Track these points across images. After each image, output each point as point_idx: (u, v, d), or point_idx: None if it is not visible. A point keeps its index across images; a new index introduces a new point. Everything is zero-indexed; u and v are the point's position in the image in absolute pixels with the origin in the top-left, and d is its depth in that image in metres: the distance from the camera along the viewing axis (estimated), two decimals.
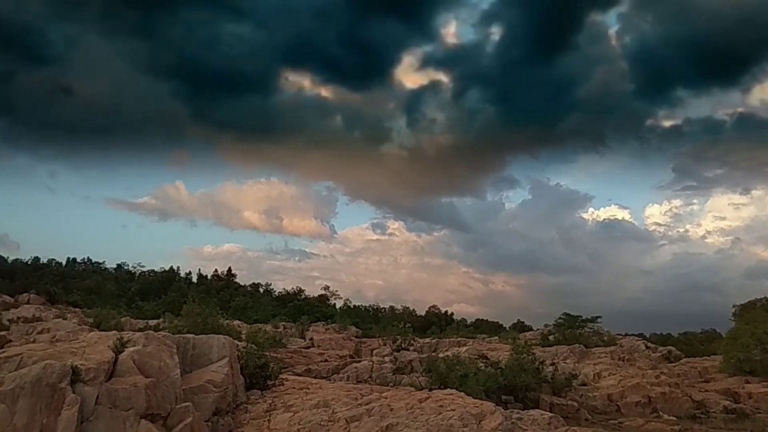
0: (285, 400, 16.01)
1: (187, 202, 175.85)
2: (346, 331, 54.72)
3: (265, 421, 14.74)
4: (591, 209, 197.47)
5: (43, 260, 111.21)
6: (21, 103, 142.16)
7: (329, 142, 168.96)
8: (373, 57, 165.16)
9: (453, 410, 14.35)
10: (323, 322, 64.14)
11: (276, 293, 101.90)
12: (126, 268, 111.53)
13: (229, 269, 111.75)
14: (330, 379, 23.82)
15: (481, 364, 24.94)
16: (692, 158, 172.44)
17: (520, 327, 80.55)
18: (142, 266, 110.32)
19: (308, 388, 17.47)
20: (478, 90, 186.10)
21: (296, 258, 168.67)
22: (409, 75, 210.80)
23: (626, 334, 54.26)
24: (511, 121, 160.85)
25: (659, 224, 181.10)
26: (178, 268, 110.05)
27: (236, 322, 45.46)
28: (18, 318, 42.50)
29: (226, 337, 17.62)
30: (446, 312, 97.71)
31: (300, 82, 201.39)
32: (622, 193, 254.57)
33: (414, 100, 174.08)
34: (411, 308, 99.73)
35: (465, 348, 34.45)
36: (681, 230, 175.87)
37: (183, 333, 19.49)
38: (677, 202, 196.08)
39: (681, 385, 27.61)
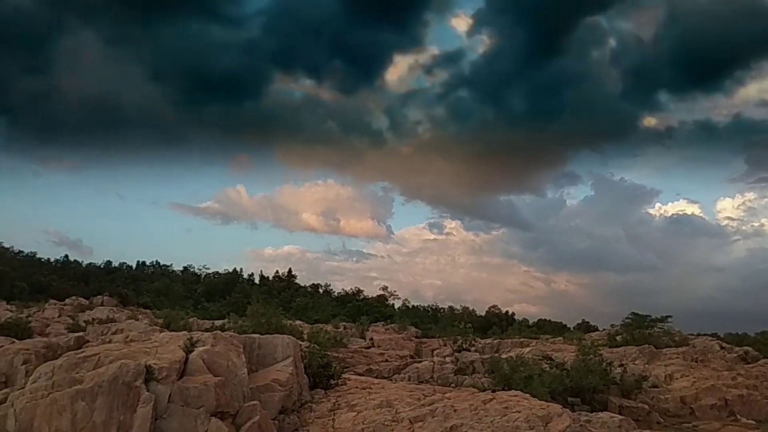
0: (348, 400, 16.13)
1: (248, 205, 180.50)
2: (405, 331, 54.68)
3: (329, 420, 14.89)
4: (658, 204, 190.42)
5: (115, 264, 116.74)
6: (91, 118, 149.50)
7: (382, 144, 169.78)
8: None
9: (518, 412, 14.06)
10: (383, 323, 64.35)
11: (335, 294, 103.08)
12: (192, 270, 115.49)
13: (290, 270, 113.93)
14: (391, 379, 23.84)
15: (546, 365, 24.37)
16: (766, 149, 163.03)
17: (585, 327, 78.31)
18: (207, 268, 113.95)
19: (371, 388, 17.53)
20: None
21: (354, 259, 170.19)
22: None
23: (698, 334, 51.84)
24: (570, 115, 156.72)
25: (732, 218, 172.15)
26: (241, 269, 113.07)
27: (297, 322, 46.26)
28: (93, 319, 44.67)
29: (290, 336, 17.92)
30: (507, 312, 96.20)
31: None
32: (691, 187, 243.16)
33: None
34: (470, 308, 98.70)
35: (528, 349, 33.79)
36: (756, 224, 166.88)
37: (248, 333, 19.97)
38: (751, 195, 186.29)
39: (760, 387, 26.13)
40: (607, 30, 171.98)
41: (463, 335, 36.31)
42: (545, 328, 79.98)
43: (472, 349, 34.08)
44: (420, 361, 29.34)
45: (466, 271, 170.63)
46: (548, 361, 27.03)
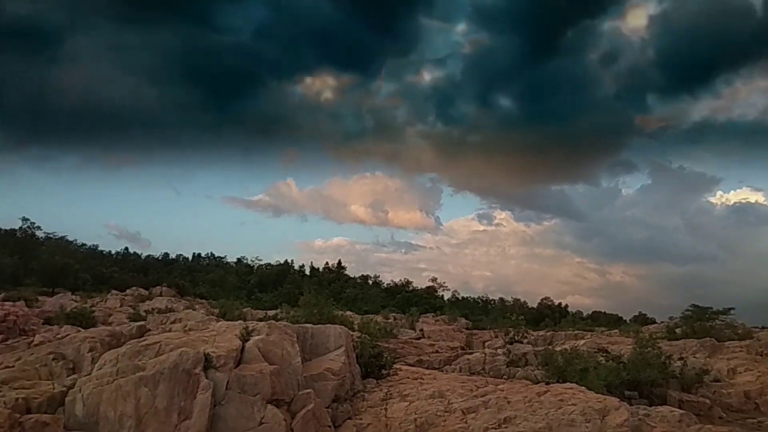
0: (400, 390, 16.19)
1: (298, 198, 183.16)
2: (455, 322, 54.47)
3: (382, 409, 14.98)
4: (719, 192, 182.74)
5: (172, 256, 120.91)
6: (143, 116, 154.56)
7: (431, 135, 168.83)
8: None
9: (574, 405, 13.78)
10: (432, 314, 64.31)
11: (384, 285, 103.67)
12: (245, 262, 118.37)
13: (339, 262, 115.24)
14: (442, 371, 23.78)
15: (602, 358, 23.78)
16: None
17: (642, 320, 76.15)
18: (260, 260, 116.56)
19: (422, 379, 17.54)
20: None
21: (402, 250, 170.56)
22: None
23: (763, 327, 49.73)
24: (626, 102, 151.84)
25: None
26: (292, 261, 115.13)
27: (348, 312, 46.72)
28: (153, 309, 46.35)
29: (342, 326, 18.10)
30: (560, 304, 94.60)
31: None
32: (754, 174, 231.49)
33: None
34: (522, 300, 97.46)
35: (583, 341, 33.08)
36: None
37: (301, 323, 20.29)
38: None
39: None
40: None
41: (515, 327, 35.92)
42: (600, 320, 78.22)
43: (525, 341, 33.64)
44: (471, 353, 29.15)
45: (517, 262, 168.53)
46: (604, 354, 26.36)
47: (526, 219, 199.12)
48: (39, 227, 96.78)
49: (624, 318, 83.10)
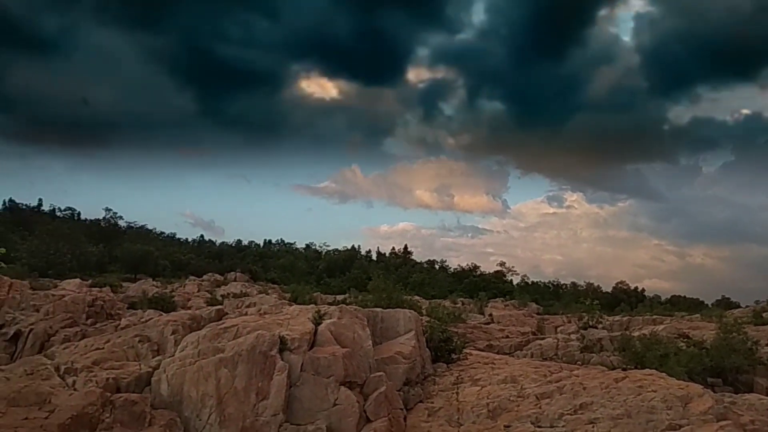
0: (471, 374, 16.08)
1: (363, 184, 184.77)
2: (526, 307, 53.65)
3: (453, 393, 14.93)
4: None
5: (244, 242, 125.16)
6: (212, 109, 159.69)
7: (496, 116, 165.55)
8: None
9: (654, 391, 13.24)
10: (501, 299, 63.59)
11: (451, 270, 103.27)
12: (313, 247, 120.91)
13: (405, 247, 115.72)
14: (513, 356, 23.46)
15: (682, 344, 22.78)
16: None
17: (726, 304, 72.32)
18: (327, 246, 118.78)
19: (494, 363, 17.35)
20: None
21: (469, 234, 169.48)
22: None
23: None
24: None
25: None
26: (359, 246, 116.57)
27: (415, 297, 46.84)
28: (228, 293, 48.18)
29: (412, 311, 18.13)
30: (636, 288, 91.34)
31: None
32: None
33: None
34: (595, 284, 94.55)
35: (662, 326, 31.71)
36: None
37: (370, 307, 20.47)
38: None
39: None
40: None
41: (589, 312, 34.85)
42: (680, 304, 74.98)
43: (599, 326, 32.62)
44: (543, 338, 28.57)
45: (590, 245, 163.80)
46: (685, 340, 25.25)
47: (599, 200, 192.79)
48: (121, 217, 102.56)
49: (705, 302, 79.31)
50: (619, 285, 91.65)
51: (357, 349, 14.26)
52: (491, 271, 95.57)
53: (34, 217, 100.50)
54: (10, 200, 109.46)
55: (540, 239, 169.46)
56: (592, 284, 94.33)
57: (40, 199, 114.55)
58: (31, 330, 20.42)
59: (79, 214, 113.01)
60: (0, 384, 12.26)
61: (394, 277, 60.43)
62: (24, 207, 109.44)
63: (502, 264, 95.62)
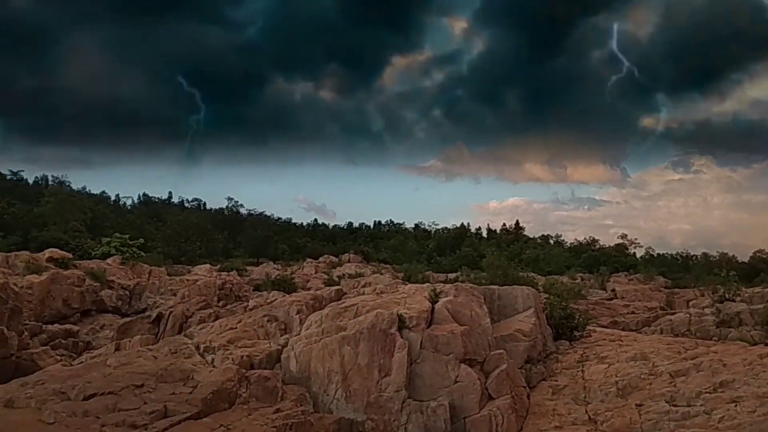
0: (597, 352, 15.46)
1: (470, 161, 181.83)
2: (652, 281, 50.63)
3: (578, 371, 14.45)
4: None
5: (356, 225, 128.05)
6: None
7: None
8: None
9: None
10: (624, 273, 60.52)
11: (567, 244, 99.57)
12: (422, 227, 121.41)
13: (517, 222, 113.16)
14: (640, 332, 22.26)
15: None
16: None
17: None
18: (436, 225, 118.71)
19: (621, 340, 16.55)
20: None
21: (585, 207, 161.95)
22: None
23: None
24: None
25: None
26: (468, 224, 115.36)
27: (531, 274, 45.71)
28: (344, 274, 49.71)
29: (530, 288, 17.71)
30: None
31: None
32: None
33: None
34: (730, 254, 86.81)
35: None
36: None
37: (485, 285, 20.23)
38: None
39: None
40: None
41: (724, 284, 32.16)
42: None
43: (737, 299, 30.03)
44: (673, 313, 26.85)
45: (722, 212, 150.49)
46: None
47: (732, 163, 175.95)
48: (242, 205, 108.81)
49: None
50: (758, 254, 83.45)
51: (475, 326, 14.15)
52: (611, 244, 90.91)
53: (165, 208, 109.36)
54: (144, 194, 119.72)
55: (665, 208, 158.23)
56: (726, 254, 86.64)
57: (170, 192, 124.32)
58: (171, 312, 22.24)
59: (204, 204, 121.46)
60: (149, 362, 13.50)
61: (507, 254, 59.17)
62: (156, 200, 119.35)
63: (623, 236, 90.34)
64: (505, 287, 17.55)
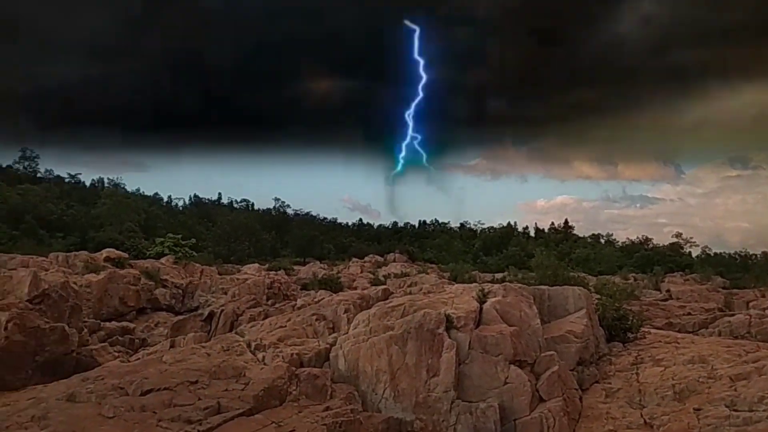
0: (652, 354, 14.99)
1: (516, 158, 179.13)
2: (709, 281, 48.84)
3: (632, 374, 14.05)
4: None
5: (400, 224, 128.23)
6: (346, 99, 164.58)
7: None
8: None
9: None
10: (679, 273, 58.62)
11: (619, 243, 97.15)
12: (468, 226, 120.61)
13: (566, 221, 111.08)
14: (697, 334, 21.51)
15: None
16: None
17: None
18: (482, 224, 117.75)
19: (677, 343, 15.99)
20: None
21: (637, 205, 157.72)
22: None
23: None
24: None
25: None
26: (515, 223, 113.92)
27: (581, 274, 44.79)
28: (390, 274, 49.88)
29: (581, 288, 17.33)
30: None
31: None
32: None
33: None
34: None
35: None
36: None
37: (533, 285, 19.91)
38: None
39: None
40: None
41: None
42: None
43: None
44: (732, 314, 25.86)
45: None
46: None
47: None
48: (289, 206, 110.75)
49: None
50: None
51: (525, 327, 13.95)
52: (665, 243, 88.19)
53: (215, 209, 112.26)
54: (195, 195, 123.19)
55: (722, 206, 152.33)
56: None
57: (220, 193, 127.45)
58: (222, 310, 22.79)
59: (252, 204, 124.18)
60: (203, 359, 13.85)
61: (555, 253, 58.22)
62: (206, 201, 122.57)
63: (678, 235, 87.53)
64: (555, 287, 17.22)
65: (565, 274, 25.30)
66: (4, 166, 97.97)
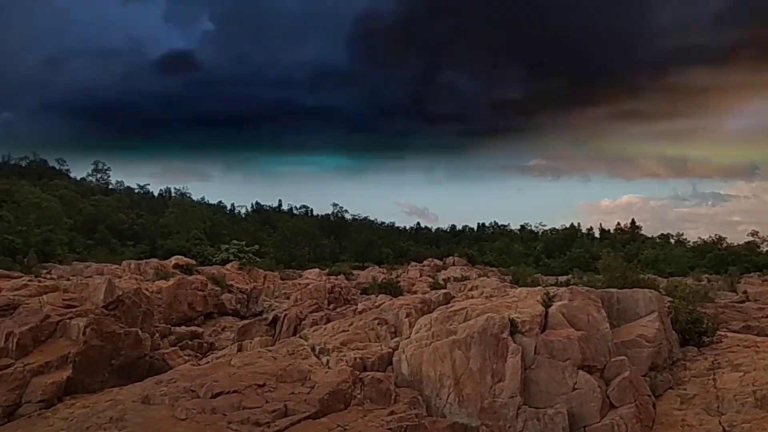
0: (730, 359, 14.26)
1: (577, 158, 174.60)
2: None
3: (709, 379, 13.40)
4: None
5: (459, 227, 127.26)
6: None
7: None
8: None
9: None
10: (757, 273, 55.54)
11: (690, 243, 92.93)
12: (529, 228, 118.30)
13: (633, 221, 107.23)
14: None
15: None
16: None
17: None
18: (543, 225, 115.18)
19: (757, 347, 15.12)
20: None
21: (708, 202, 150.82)
22: None
23: None
24: None
25: None
26: (579, 224, 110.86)
27: (650, 276, 43.08)
28: (449, 277, 49.51)
29: (652, 291, 16.67)
30: None
31: None
32: None
33: None
34: None
35: None
36: None
37: (600, 287, 19.30)
38: None
39: None
40: None
41: None
42: None
43: None
44: None
45: None
46: None
47: None
48: (347, 211, 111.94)
49: None
50: None
51: (593, 332, 13.54)
52: (740, 242, 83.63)
53: (275, 215, 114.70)
54: (257, 203, 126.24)
55: None
56: None
57: (280, 200, 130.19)
58: (286, 315, 23.20)
59: (311, 210, 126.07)
60: (269, 362, 14.14)
61: (622, 254, 56.25)
62: (267, 208, 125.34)
63: (754, 233, 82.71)
64: (624, 290, 16.65)
65: (634, 276, 24.36)
66: (78, 178, 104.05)
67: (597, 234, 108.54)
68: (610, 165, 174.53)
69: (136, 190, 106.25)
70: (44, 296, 18.44)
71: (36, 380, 14.20)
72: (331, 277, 46.08)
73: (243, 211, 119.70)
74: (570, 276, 46.68)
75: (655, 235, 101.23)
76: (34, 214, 59.17)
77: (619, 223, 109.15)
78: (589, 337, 13.17)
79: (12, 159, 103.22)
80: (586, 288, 16.72)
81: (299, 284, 36.95)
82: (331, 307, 27.82)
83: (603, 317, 14.19)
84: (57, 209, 64.65)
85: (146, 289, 26.18)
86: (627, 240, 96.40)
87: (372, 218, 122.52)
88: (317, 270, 53.19)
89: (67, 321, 16.37)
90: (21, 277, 29.45)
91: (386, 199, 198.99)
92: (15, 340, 15.18)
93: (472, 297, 18.88)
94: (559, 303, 14.36)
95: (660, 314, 15.37)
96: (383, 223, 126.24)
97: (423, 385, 13.40)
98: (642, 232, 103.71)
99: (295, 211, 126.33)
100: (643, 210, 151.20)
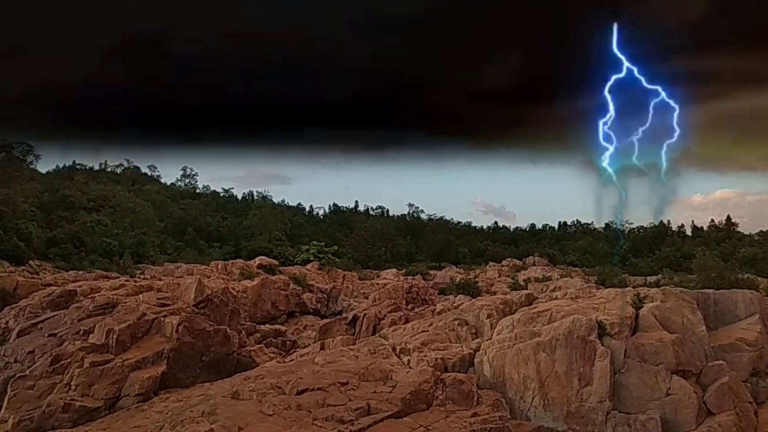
0: None
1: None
2: None
3: None
4: None
5: (538, 226, 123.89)
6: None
7: None
8: None
9: None
10: None
11: None
12: (614, 226, 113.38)
13: (728, 218, 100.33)
14: None
15: None
16: None
17: None
18: (630, 223, 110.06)
19: None
20: None
21: None
22: None
23: None
24: None
25: None
26: (669, 222, 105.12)
27: (749, 276, 40.24)
28: (529, 278, 48.32)
29: (752, 291, 15.62)
30: None
31: None
32: None
33: None
34: None
35: None
36: None
37: (694, 288, 18.25)
38: None
39: None
40: None
41: None
42: None
43: None
44: None
45: None
46: None
47: None
48: (422, 211, 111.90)
49: None
50: None
51: (688, 335, 12.85)
52: None
53: (352, 216, 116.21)
54: (334, 204, 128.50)
55: None
56: None
57: (356, 201, 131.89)
58: (365, 314, 23.45)
59: (387, 211, 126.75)
60: (351, 361, 14.35)
61: (718, 253, 52.90)
62: (344, 209, 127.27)
63: None
64: (721, 291, 15.70)
65: (731, 276, 22.84)
66: (168, 183, 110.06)
67: (688, 232, 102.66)
68: (701, 158, 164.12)
69: (221, 194, 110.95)
70: (140, 295, 19.60)
71: (134, 375, 15.12)
72: (408, 277, 46.12)
73: (321, 212, 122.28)
74: (660, 276, 44.41)
75: (753, 232, 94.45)
76: (128, 218, 63.14)
77: (712, 220, 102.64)
78: (684, 341, 12.52)
79: (108, 166, 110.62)
80: (680, 289, 15.87)
81: (377, 284, 37.23)
82: (409, 307, 27.83)
83: (699, 319, 13.42)
84: (149, 213, 68.60)
85: (233, 289, 27.30)
86: (722, 238, 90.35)
87: (448, 218, 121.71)
88: (394, 270, 53.38)
89: (162, 319, 17.31)
90: (118, 277, 31.65)
91: (462, 198, 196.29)
92: (115, 336, 16.23)
93: (556, 298, 18.37)
94: (651, 304, 13.72)
95: (762, 317, 14.39)
96: (459, 222, 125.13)
97: (506, 387, 13.17)
98: (738, 229, 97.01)
99: (371, 212, 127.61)
100: (740, 206, 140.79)
